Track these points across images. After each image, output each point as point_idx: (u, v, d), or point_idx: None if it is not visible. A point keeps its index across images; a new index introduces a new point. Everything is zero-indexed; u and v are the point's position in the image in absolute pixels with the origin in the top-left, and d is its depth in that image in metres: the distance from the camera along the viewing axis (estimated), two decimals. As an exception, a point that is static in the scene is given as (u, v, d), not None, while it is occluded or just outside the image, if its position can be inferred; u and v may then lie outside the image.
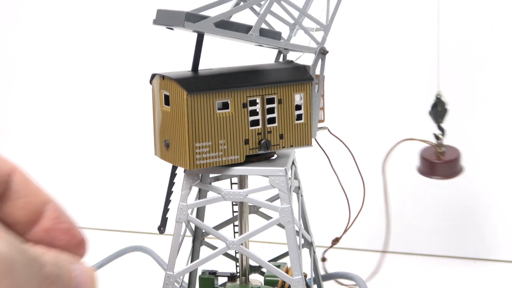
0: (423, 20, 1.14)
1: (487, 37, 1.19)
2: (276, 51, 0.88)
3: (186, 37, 0.84)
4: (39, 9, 1.41)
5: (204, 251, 0.92)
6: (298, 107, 0.81)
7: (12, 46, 1.44)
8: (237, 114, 0.78)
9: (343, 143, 0.87)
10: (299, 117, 0.81)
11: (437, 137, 0.98)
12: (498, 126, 1.19)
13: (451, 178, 0.98)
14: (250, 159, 0.80)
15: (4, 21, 1.44)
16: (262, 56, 0.92)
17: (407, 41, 1.20)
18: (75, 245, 0.48)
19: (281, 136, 0.81)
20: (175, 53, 1.04)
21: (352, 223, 0.92)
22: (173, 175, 0.82)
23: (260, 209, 0.92)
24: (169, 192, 0.82)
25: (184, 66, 0.82)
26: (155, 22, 0.77)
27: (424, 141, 0.99)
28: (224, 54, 1.01)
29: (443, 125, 0.98)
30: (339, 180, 0.90)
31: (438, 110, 0.97)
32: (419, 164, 0.99)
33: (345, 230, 0.92)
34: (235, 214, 0.90)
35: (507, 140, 1.19)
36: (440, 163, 0.97)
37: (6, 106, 1.47)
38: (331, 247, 0.94)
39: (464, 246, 1.23)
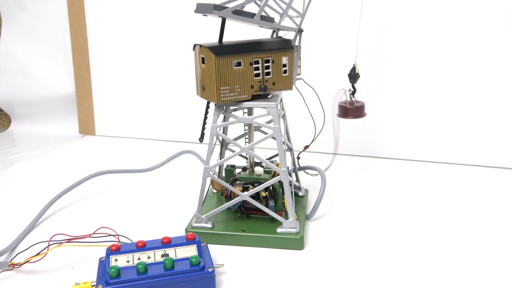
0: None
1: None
2: (271, 30, 0.86)
3: (214, 21, 0.82)
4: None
5: (227, 153, 0.93)
6: (284, 65, 0.80)
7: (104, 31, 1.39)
8: (246, 69, 0.77)
9: (311, 87, 0.85)
10: (285, 71, 0.80)
11: (351, 92, 0.95)
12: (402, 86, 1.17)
13: (359, 118, 0.94)
14: (254, 98, 0.79)
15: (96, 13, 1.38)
16: (262, 33, 0.90)
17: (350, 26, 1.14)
18: None
19: (273, 83, 0.79)
20: (208, 32, 1.01)
21: (316, 136, 0.91)
22: (207, 107, 0.82)
23: (261, 128, 0.91)
24: (205, 117, 0.81)
25: (213, 39, 0.81)
26: (196, 11, 0.75)
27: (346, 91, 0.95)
28: (238, 32, 0.98)
29: (355, 85, 0.94)
30: (309, 110, 0.89)
31: (352, 75, 0.93)
32: (338, 111, 0.95)
33: (312, 141, 0.92)
34: (245, 131, 0.90)
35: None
36: (351, 108, 0.94)
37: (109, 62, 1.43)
38: (303, 151, 0.94)
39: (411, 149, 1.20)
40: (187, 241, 0.69)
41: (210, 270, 0.66)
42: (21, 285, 0.71)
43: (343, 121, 0.98)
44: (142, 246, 0.68)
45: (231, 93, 0.76)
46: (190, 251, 0.68)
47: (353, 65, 0.91)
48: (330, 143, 1.07)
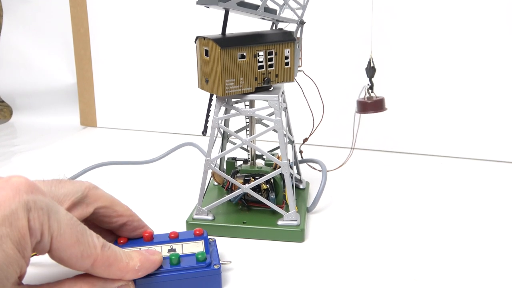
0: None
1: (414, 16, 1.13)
2: (270, 22, 0.85)
3: (217, 13, 0.81)
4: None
5: (228, 146, 0.92)
6: (286, 58, 0.79)
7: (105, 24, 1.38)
8: (250, 62, 0.76)
9: (311, 79, 0.85)
10: (287, 63, 0.79)
11: (368, 87, 0.92)
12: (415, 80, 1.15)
13: (379, 112, 0.90)
14: (257, 90, 0.78)
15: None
16: (260, 25, 0.88)
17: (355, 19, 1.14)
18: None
19: (276, 76, 0.79)
20: (209, 24, 1.00)
21: (315, 129, 0.90)
22: (210, 99, 0.81)
23: (262, 121, 0.91)
24: (208, 110, 0.81)
25: (213, 31, 0.80)
26: (198, 2, 0.74)
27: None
28: (240, 24, 0.97)
29: (373, 79, 0.92)
30: (307, 102, 0.88)
31: (368, 68, 0.91)
32: (356, 107, 0.91)
33: (310, 134, 0.91)
34: (247, 123, 0.89)
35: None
36: (369, 102, 0.92)
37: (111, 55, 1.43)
38: (303, 144, 0.93)
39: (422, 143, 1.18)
40: (195, 236, 0.68)
41: (216, 267, 0.64)
42: (23, 279, 0.70)
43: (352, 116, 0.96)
44: (149, 240, 0.67)
45: (236, 85, 0.75)
46: (197, 247, 0.67)
47: (369, 58, 0.90)
48: (333, 136, 1.06)
